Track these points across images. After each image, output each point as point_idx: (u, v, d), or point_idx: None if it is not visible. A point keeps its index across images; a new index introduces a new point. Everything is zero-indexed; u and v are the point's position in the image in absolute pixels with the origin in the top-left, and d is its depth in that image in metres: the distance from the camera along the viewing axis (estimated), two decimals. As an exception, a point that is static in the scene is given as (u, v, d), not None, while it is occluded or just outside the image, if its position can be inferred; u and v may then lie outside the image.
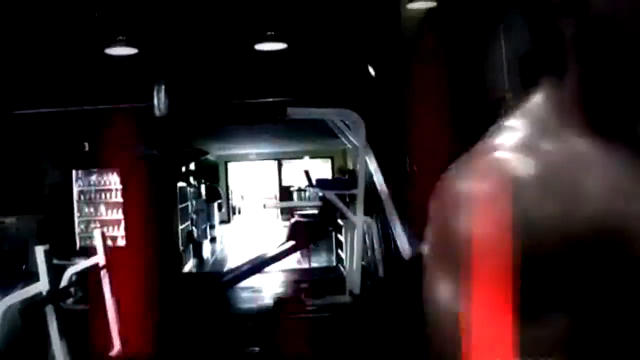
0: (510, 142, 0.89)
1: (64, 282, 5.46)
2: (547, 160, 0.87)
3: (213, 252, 15.85)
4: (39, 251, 4.87)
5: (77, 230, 10.99)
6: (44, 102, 9.29)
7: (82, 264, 6.10)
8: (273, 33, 8.22)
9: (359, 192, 7.94)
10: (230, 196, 24.65)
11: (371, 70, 8.91)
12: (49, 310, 4.81)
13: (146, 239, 10.22)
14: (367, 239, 8.72)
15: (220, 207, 20.20)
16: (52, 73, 8.80)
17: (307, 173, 9.88)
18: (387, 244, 8.48)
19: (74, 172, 11.06)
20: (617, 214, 0.85)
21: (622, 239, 0.83)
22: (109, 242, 7.12)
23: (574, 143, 0.90)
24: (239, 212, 25.52)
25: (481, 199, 0.83)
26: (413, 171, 8.33)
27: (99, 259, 6.09)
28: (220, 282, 8.69)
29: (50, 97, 9.24)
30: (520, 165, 0.85)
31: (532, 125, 0.92)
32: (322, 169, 22.83)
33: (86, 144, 10.91)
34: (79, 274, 5.96)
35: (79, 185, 11.16)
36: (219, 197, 20.19)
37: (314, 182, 9.49)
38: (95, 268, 6.06)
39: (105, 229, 8.08)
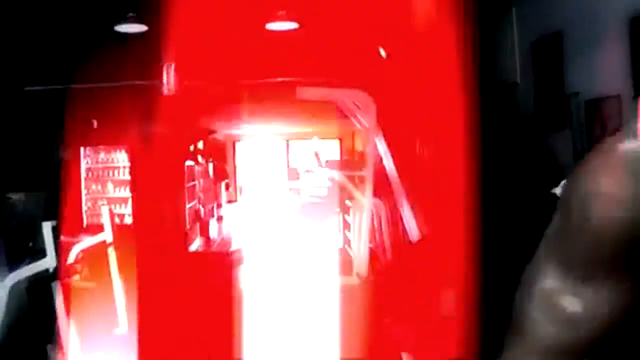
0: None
1: (70, 259, 5.46)
2: None
3: (220, 231, 15.86)
4: (47, 227, 4.87)
5: (84, 207, 11.00)
6: (54, 79, 9.27)
7: (89, 241, 6.10)
8: (284, 12, 8.18)
9: (368, 173, 7.92)
10: (237, 176, 24.64)
11: (382, 52, 8.87)
12: (56, 286, 4.82)
13: (153, 217, 10.23)
14: (375, 221, 8.71)
15: (227, 187, 20.18)
16: (63, 50, 8.78)
17: (316, 154, 9.86)
18: (395, 226, 8.48)
19: (82, 149, 11.06)
20: None
21: None
22: (116, 220, 7.11)
23: None
24: (247, 192, 25.52)
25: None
26: (422, 153, 8.30)
27: (106, 236, 6.09)
28: (227, 261, 8.70)
29: (60, 74, 9.22)
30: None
31: None
32: (331, 150, 22.78)
33: (95, 121, 10.90)
34: (86, 251, 5.96)
35: (87, 163, 11.16)
36: (227, 177, 20.18)
37: (323, 163, 9.48)
38: (102, 245, 6.07)
39: (112, 207, 8.08)
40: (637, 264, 0.94)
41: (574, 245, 0.99)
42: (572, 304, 0.98)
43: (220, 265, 8.85)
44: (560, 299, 0.99)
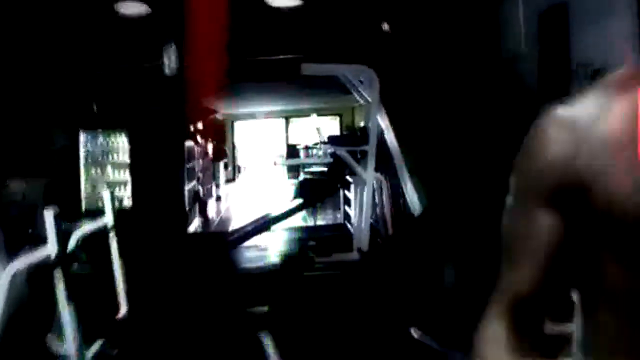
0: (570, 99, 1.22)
1: (71, 245, 5.40)
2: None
3: (219, 211, 15.86)
4: (48, 214, 4.80)
5: (83, 192, 10.95)
6: (52, 63, 9.19)
7: (90, 226, 6.04)
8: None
9: (371, 148, 7.89)
10: (236, 155, 24.58)
11: (385, 26, 8.80)
12: (57, 274, 4.77)
13: (153, 199, 10.19)
14: (375, 196, 8.68)
15: (226, 166, 20.14)
16: (62, 32, 8.69)
17: (318, 130, 9.85)
18: (395, 200, 8.46)
19: (81, 133, 10.99)
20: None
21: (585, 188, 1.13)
22: (116, 203, 7.06)
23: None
24: (245, 171, 25.48)
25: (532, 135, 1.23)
26: (423, 126, 8.27)
27: (107, 220, 6.05)
28: (227, 241, 8.65)
29: (59, 58, 9.14)
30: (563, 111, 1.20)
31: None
32: (330, 126, 22.73)
33: (94, 105, 10.83)
34: (86, 236, 5.89)
35: (86, 147, 11.10)
36: (225, 156, 20.14)
37: (325, 138, 9.45)
38: (103, 230, 6.02)
39: (112, 190, 8.00)
40: (562, 204, 1.17)
41: (517, 183, 1.26)
42: (519, 229, 1.23)
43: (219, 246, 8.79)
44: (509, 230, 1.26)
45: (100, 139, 11.09)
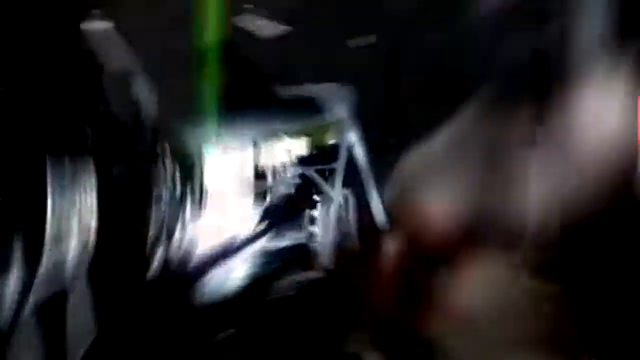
0: None
1: (39, 274, 5.44)
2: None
3: (185, 237, 15.84)
4: (15, 243, 4.84)
5: (49, 217, 10.96)
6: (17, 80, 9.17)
7: (56, 253, 6.08)
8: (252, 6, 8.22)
9: (339, 165, 8.00)
10: (203, 182, 24.56)
11: (363, 41, 8.92)
12: (25, 305, 4.80)
13: (120, 230, 10.22)
14: (342, 212, 8.79)
15: (193, 194, 20.17)
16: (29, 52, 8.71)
17: (288, 152, 10.00)
18: (362, 215, 8.58)
19: (48, 158, 11.00)
20: None
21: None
22: (84, 233, 7.11)
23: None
24: (211, 198, 25.40)
25: None
26: (391, 142, 8.42)
27: (73, 247, 6.09)
28: (190, 273, 8.70)
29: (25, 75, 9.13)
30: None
31: None
32: (300, 146, 22.80)
33: (62, 129, 10.84)
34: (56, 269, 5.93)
35: (53, 172, 11.14)
36: (192, 184, 20.18)
37: (294, 160, 9.58)
38: (72, 262, 6.06)
39: (79, 219, 8.08)
40: None
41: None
42: None
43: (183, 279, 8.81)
44: None
45: (68, 165, 11.14)
